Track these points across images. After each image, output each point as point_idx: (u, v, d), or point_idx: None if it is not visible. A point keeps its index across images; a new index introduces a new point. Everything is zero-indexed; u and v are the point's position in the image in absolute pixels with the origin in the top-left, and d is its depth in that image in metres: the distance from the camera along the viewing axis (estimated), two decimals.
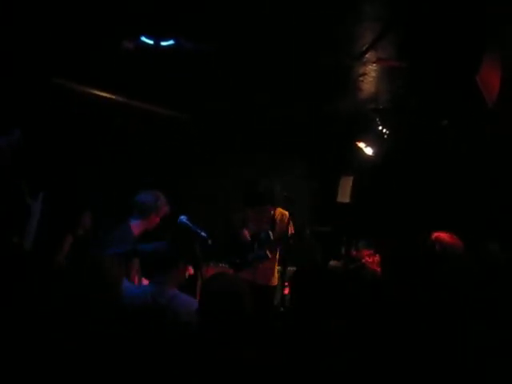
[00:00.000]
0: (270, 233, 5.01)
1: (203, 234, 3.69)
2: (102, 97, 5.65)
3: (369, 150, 6.71)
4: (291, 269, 5.56)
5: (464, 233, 3.19)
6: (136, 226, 3.65)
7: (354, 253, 6.35)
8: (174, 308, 2.80)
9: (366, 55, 4.51)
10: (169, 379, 2.12)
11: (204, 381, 2.09)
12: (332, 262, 6.23)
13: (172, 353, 2.19)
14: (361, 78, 5.20)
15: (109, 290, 2.35)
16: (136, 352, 2.19)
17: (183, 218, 3.74)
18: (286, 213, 5.10)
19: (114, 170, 5.97)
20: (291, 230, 5.14)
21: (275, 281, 5.15)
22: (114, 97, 5.75)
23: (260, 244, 5.07)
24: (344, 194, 7.02)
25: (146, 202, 3.68)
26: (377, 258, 5.01)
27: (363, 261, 5.19)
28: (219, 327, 2.24)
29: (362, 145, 6.70)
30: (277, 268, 5.25)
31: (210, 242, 3.66)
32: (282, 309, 5.20)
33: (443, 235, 2.98)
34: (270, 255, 4.90)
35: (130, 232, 3.61)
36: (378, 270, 4.55)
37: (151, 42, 4.07)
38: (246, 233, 5.08)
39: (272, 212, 5.11)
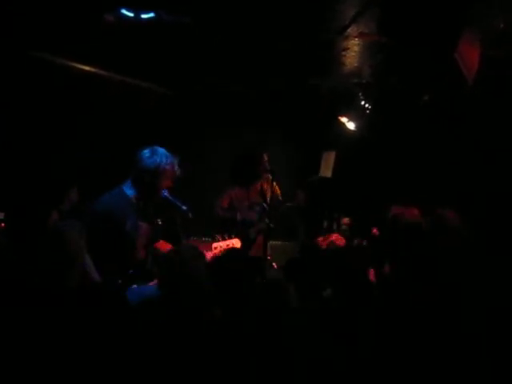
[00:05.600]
0: (265, 204, 5.12)
1: (184, 207, 3.68)
2: (83, 70, 5.58)
3: (351, 125, 6.74)
4: (274, 242, 5.66)
5: (445, 207, 3.24)
6: None
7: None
8: None
9: (348, 29, 4.50)
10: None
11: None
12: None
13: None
14: (343, 53, 5.20)
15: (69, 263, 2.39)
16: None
17: (163, 191, 3.72)
18: (269, 176, 5.14)
19: (96, 145, 5.92)
20: (278, 190, 5.24)
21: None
22: (94, 70, 5.68)
23: (260, 217, 5.17)
24: (326, 169, 7.07)
25: None
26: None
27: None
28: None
29: (344, 119, 6.72)
30: None
31: (190, 215, 3.66)
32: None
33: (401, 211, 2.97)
34: (272, 226, 4.94)
35: None
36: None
37: (131, 14, 4.03)
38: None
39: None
